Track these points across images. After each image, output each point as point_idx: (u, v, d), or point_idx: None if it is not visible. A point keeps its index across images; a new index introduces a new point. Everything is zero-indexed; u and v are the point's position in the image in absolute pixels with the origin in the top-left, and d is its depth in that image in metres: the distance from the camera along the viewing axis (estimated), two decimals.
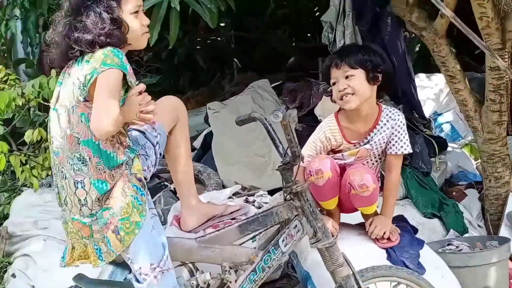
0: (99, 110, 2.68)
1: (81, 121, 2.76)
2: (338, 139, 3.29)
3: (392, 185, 3.35)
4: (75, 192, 2.79)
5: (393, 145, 3.28)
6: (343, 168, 3.28)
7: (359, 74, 3.19)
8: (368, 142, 3.28)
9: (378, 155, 3.36)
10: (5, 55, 6.63)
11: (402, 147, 3.28)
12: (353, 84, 3.18)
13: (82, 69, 2.76)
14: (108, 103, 2.66)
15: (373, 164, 3.37)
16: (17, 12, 6.21)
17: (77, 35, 2.77)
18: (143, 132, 3.15)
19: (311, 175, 3.14)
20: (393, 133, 3.27)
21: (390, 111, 3.30)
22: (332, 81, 3.26)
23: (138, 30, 2.91)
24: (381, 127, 3.27)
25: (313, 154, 3.29)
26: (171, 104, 3.35)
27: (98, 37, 2.76)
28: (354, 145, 3.30)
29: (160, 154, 3.22)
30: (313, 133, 3.36)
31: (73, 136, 2.78)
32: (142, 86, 2.90)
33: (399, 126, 3.27)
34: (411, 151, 3.35)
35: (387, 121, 3.27)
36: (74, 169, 2.79)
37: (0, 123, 4.83)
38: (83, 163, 2.78)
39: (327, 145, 3.31)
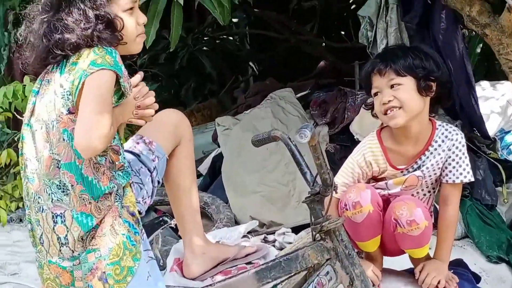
0: (86, 122, 2.67)
1: (63, 139, 2.77)
2: (381, 164, 3.29)
3: (449, 221, 3.34)
4: (53, 229, 2.80)
5: (450, 171, 3.28)
6: (386, 201, 3.27)
7: (408, 83, 3.18)
8: (418, 167, 3.28)
9: (431, 184, 3.35)
10: None
11: (461, 174, 3.28)
12: (401, 95, 3.17)
13: (68, 74, 2.77)
14: (98, 113, 2.66)
15: (424, 195, 3.37)
16: None
17: (58, 37, 2.79)
18: (137, 155, 3.18)
19: (346, 209, 3.14)
20: (450, 157, 3.27)
21: (446, 129, 3.29)
22: (373, 91, 3.26)
23: (133, 30, 2.93)
24: (435, 149, 3.26)
25: (350, 183, 3.29)
26: (172, 120, 3.38)
27: (84, 38, 2.77)
28: (401, 172, 3.29)
29: (158, 182, 3.23)
30: (350, 157, 3.36)
31: (51, 158, 2.79)
32: (140, 75, 2.92)
33: (457, 148, 3.26)
34: (472, 179, 3.34)
35: (443, 141, 3.27)
36: (52, 199, 2.80)
37: None
38: (63, 191, 2.79)
39: (367, 172, 3.31)
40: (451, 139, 3.27)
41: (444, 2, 4.37)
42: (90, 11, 2.80)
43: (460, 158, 3.27)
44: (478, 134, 4.92)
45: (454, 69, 4.71)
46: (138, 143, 3.24)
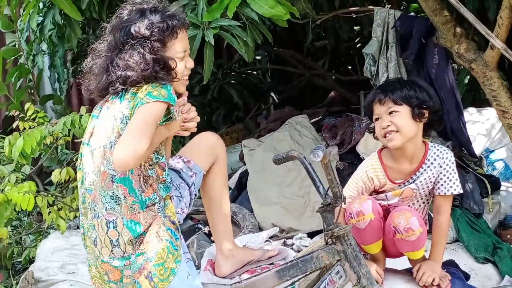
0: (127, 140, 2.70)
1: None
2: (381, 179, 3.29)
3: (442, 228, 3.33)
4: (106, 233, 2.82)
5: (442, 185, 3.27)
6: (386, 210, 3.27)
7: (403, 111, 3.20)
8: (413, 182, 3.28)
9: (426, 195, 3.35)
10: (32, 91, 6.75)
11: (451, 187, 3.27)
12: (397, 121, 3.18)
13: (127, 102, 2.81)
14: (139, 136, 2.68)
15: (420, 205, 3.36)
16: (44, 46, 6.34)
17: (120, 73, 2.84)
18: (178, 172, 3.19)
19: (351, 217, 3.15)
20: (441, 173, 3.27)
21: (437, 149, 3.29)
22: (375, 117, 3.27)
23: (182, 72, 2.98)
24: (428, 166, 3.26)
25: (355, 195, 3.29)
26: (209, 141, 3.38)
27: (143, 77, 2.82)
28: (399, 185, 3.29)
29: (195, 194, 3.24)
30: (355, 173, 3.37)
31: (107, 173, 2.83)
32: (186, 95, 2.97)
33: (447, 165, 3.26)
34: (461, 191, 3.33)
35: (434, 159, 3.27)
36: (106, 208, 2.83)
37: (27, 163, 4.91)
38: (115, 202, 2.82)
39: (369, 186, 3.31)
40: (442, 157, 3.27)
41: (436, 41, 4.37)
42: (148, 55, 2.84)
43: (450, 173, 3.27)
44: (467, 153, 4.90)
45: (445, 98, 4.70)
46: (178, 162, 3.26)
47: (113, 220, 2.82)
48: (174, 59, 2.93)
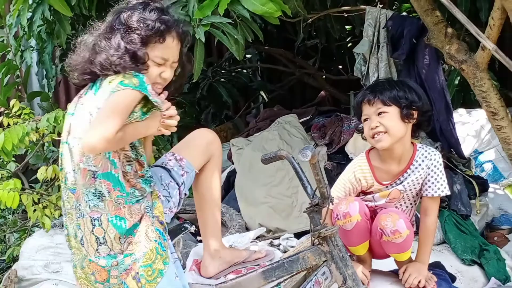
0: (94, 124, 2.69)
1: (99, 153, 2.78)
2: (369, 180, 3.28)
3: (429, 229, 3.32)
4: (92, 231, 2.80)
5: (429, 186, 3.27)
6: (373, 211, 3.26)
7: (392, 112, 3.18)
8: (401, 183, 3.26)
9: (413, 197, 3.34)
10: (20, 87, 6.71)
11: (439, 189, 3.26)
12: (386, 122, 3.17)
13: (101, 94, 2.79)
14: (108, 118, 2.67)
15: (407, 207, 3.35)
16: (32, 42, 6.30)
17: (93, 56, 2.85)
18: (168, 170, 3.16)
19: (338, 219, 3.14)
20: (429, 174, 3.26)
21: (426, 151, 3.28)
22: (363, 118, 3.26)
23: (152, 77, 2.92)
24: (416, 168, 3.26)
25: (342, 196, 3.28)
26: (205, 138, 3.34)
27: (109, 61, 2.80)
28: (386, 187, 3.28)
29: (185, 194, 3.21)
30: (343, 173, 3.36)
31: (87, 170, 2.80)
32: (165, 94, 2.93)
33: (435, 166, 3.25)
34: (448, 193, 3.33)
35: (422, 161, 3.26)
36: (89, 205, 2.81)
37: (12, 160, 4.87)
38: (98, 198, 2.79)
39: (357, 187, 3.30)
40: (430, 159, 3.26)
41: (427, 42, 4.36)
42: (122, 43, 2.83)
43: (438, 175, 3.26)
44: (455, 154, 4.90)
45: (435, 98, 4.69)
46: (170, 159, 3.22)
47: (97, 217, 2.80)
48: (147, 55, 2.89)
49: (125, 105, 2.73)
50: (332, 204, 3.02)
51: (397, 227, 3.09)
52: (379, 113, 3.19)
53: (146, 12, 2.90)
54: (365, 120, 3.25)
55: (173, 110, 2.92)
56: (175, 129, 2.97)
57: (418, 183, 3.28)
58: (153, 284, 2.79)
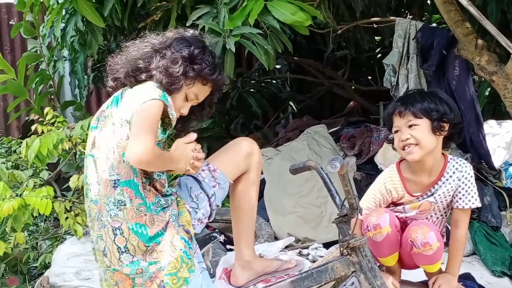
0: (135, 137, 2.73)
1: (123, 161, 2.82)
2: (399, 191, 3.27)
3: (459, 241, 3.30)
4: (114, 240, 2.82)
5: (460, 198, 3.25)
6: (404, 222, 3.25)
7: (423, 124, 3.16)
8: (432, 195, 3.25)
9: (444, 208, 3.32)
10: (52, 97, 6.80)
11: (470, 201, 3.24)
12: (417, 134, 3.15)
13: (125, 106, 2.84)
14: (144, 133, 2.71)
15: (437, 218, 3.33)
16: (65, 53, 6.39)
17: (146, 59, 2.96)
18: (199, 182, 3.17)
19: (368, 230, 3.13)
20: (460, 186, 3.24)
21: (457, 162, 3.26)
22: (394, 129, 3.25)
23: (175, 105, 2.97)
24: (447, 179, 3.24)
25: (372, 207, 3.27)
26: (243, 148, 3.32)
27: (150, 75, 2.90)
28: (417, 198, 3.27)
29: (217, 205, 3.20)
30: (373, 184, 3.35)
31: (109, 180, 2.84)
32: (194, 136, 2.95)
33: (466, 178, 3.23)
34: (479, 205, 3.31)
35: (454, 173, 3.24)
36: (111, 215, 2.83)
37: (45, 168, 4.92)
38: (118, 207, 2.82)
39: (387, 198, 3.29)
40: (461, 170, 3.24)
41: (458, 53, 4.35)
42: (181, 62, 2.95)
43: (469, 187, 3.24)
44: (486, 165, 4.87)
45: (465, 109, 4.67)
46: (203, 169, 3.20)
47: (118, 226, 2.82)
48: (184, 86, 2.98)
49: (154, 117, 2.78)
50: (361, 214, 3.01)
51: (427, 239, 3.08)
52: (410, 126, 3.18)
53: (206, 54, 3.03)
54: (396, 131, 3.24)
55: (202, 154, 2.97)
56: (198, 171, 3.04)
57: (449, 195, 3.26)
58: None
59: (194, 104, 3.08)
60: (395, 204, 3.32)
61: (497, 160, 5.34)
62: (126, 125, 2.81)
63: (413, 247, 3.11)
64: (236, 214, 3.40)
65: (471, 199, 3.24)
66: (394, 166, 3.33)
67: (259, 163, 3.37)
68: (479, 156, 4.86)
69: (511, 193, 4.70)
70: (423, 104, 3.17)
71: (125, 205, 2.82)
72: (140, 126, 2.74)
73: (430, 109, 3.16)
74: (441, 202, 3.27)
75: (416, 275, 3.46)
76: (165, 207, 2.88)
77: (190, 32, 3.09)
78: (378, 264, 3.11)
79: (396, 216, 3.22)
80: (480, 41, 4.16)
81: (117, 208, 2.82)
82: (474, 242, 4.20)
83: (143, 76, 2.92)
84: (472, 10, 3.73)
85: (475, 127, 4.78)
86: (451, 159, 3.28)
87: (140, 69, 2.93)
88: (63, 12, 5.40)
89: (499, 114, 6.04)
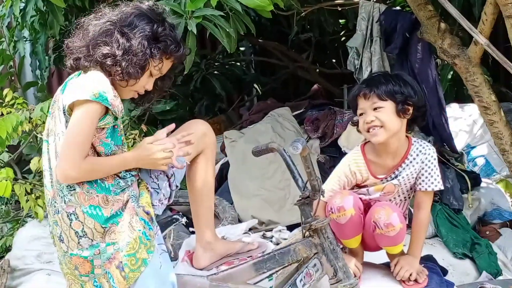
0: (61, 155, 2.74)
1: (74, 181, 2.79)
2: (364, 173, 3.29)
3: (421, 223, 3.33)
4: (70, 225, 2.79)
5: (423, 181, 3.28)
6: (367, 204, 3.27)
7: (388, 106, 3.18)
8: (395, 177, 3.27)
9: (407, 191, 3.35)
10: (13, 78, 6.70)
11: (432, 183, 3.27)
12: (381, 116, 3.17)
13: (66, 96, 2.78)
14: (71, 149, 2.71)
15: (400, 200, 3.36)
16: (26, 33, 6.28)
17: (96, 43, 2.84)
18: None
19: (332, 212, 3.14)
20: (423, 168, 3.27)
21: (420, 145, 3.29)
22: (359, 112, 3.26)
23: (138, 86, 2.95)
24: (410, 162, 3.26)
25: (337, 189, 3.28)
26: (198, 129, 3.31)
27: (113, 56, 2.82)
28: (381, 180, 3.29)
29: (177, 186, 3.19)
30: (337, 166, 3.36)
31: None
32: (163, 133, 2.95)
33: (429, 161, 3.26)
34: (442, 188, 3.35)
35: (417, 155, 3.27)
36: (65, 201, 2.79)
37: (5, 150, 4.85)
38: (69, 193, 2.78)
39: (352, 180, 3.30)
40: (424, 153, 3.27)
41: (420, 36, 4.36)
42: (147, 46, 2.87)
43: (432, 169, 3.27)
44: (448, 148, 4.91)
45: (428, 93, 4.70)
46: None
47: (73, 211, 2.79)
48: (150, 68, 2.92)
49: (87, 124, 2.73)
50: (323, 196, 3.02)
51: (390, 220, 3.10)
52: (375, 108, 3.19)
53: (168, 28, 2.94)
54: (361, 114, 3.25)
55: (188, 137, 2.98)
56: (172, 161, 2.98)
57: (413, 177, 3.29)
58: (136, 273, 2.78)
59: (157, 77, 3.03)
60: (359, 186, 3.34)
61: (459, 143, 5.41)
62: (65, 114, 2.77)
63: (376, 228, 3.13)
64: (194, 195, 3.40)
65: (434, 181, 3.27)
66: (358, 149, 3.34)
67: (213, 144, 3.39)
68: (441, 139, 4.89)
69: (472, 175, 4.75)
70: (388, 86, 3.19)
71: (75, 189, 2.78)
72: (67, 144, 2.72)
73: (394, 92, 3.18)
74: (405, 184, 3.29)
75: (378, 257, 3.48)
76: (125, 188, 2.85)
77: (146, 4, 2.99)
78: (340, 246, 3.13)
79: (360, 198, 3.23)
80: (442, 24, 4.17)
81: (69, 193, 2.79)
82: (436, 225, 4.24)
83: (104, 58, 2.82)
84: None
85: (437, 110, 4.81)
86: (415, 141, 3.31)
87: (100, 49, 2.83)
88: None
89: (462, 97, 6.10)
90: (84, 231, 2.77)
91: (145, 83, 2.95)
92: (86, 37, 2.88)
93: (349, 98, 3.39)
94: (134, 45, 2.83)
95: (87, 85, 2.74)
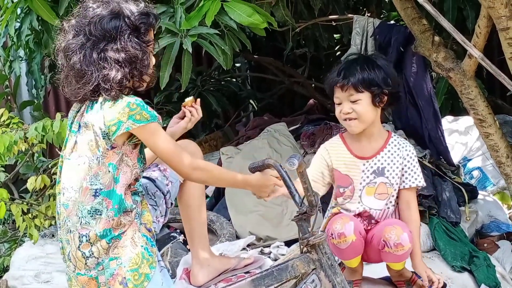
0: (177, 167, 2.89)
1: (109, 171, 2.78)
2: (344, 155, 3.33)
3: (416, 222, 3.38)
4: (78, 247, 2.78)
5: (406, 178, 3.33)
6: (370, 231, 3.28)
7: (364, 98, 3.23)
8: (381, 170, 3.30)
9: (395, 195, 3.34)
10: (9, 98, 6.71)
11: (416, 179, 3.33)
12: (358, 108, 3.22)
13: (102, 115, 2.75)
14: (178, 155, 2.86)
15: (393, 206, 3.36)
16: (21, 52, 6.30)
17: (107, 73, 2.76)
18: (153, 180, 3.17)
19: (333, 238, 3.14)
20: (406, 165, 3.32)
21: (400, 140, 3.37)
22: (336, 101, 3.30)
23: (150, 73, 2.94)
24: (391, 153, 3.32)
25: (317, 180, 3.31)
26: (187, 149, 3.27)
27: (128, 77, 2.82)
28: (366, 160, 3.30)
29: (172, 203, 3.22)
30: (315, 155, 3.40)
31: (89, 188, 2.78)
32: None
33: (410, 157, 3.33)
34: (424, 185, 3.40)
35: (398, 148, 3.33)
36: (81, 222, 2.78)
37: (2, 170, 4.85)
38: (91, 216, 2.77)
39: (328, 163, 3.33)
40: (405, 149, 3.33)
41: (415, 50, 4.38)
42: (137, 46, 2.84)
43: (414, 166, 3.33)
44: (444, 161, 4.92)
45: (423, 106, 4.73)
46: (154, 170, 3.24)
47: (86, 233, 2.78)
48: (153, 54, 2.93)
49: (167, 141, 2.86)
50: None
51: (401, 240, 3.12)
52: (352, 100, 3.22)
53: (130, 10, 2.84)
54: (338, 103, 3.28)
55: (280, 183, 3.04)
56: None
57: (397, 175, 3.31)
58: None
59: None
60: (351, 197, 3.34)
61: (456, 156, 5.41)
62: (108, 139, 2.75)
63: (385, 247, 3.15)
64: (186, 213, 3.43)
65: (417, 177, 3.33)
66: (337, 136, 3.41)
67: None
68: (437, 152, 4.90)
69: (469, 188, 4.75)
70: (363, 75, 3.21)
71: (100, 214, 2.78)
72: (172, 156, 2.86)
73: (371, 83, 3.20)
74: (392, 184, 3.31)
75: (377, 272, 3.48)
76: (134, 207, 2.86)
77: (94, 6, 2.86)
78: (338, 260, 3.13)
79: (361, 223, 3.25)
80: (437, 38, 4.19)
81: (91, 216, 2.77)
82: (434, 238, 4.24)
83: (120, 84, 2.77)
84: (428, 7, 3.76)
85: (433, 123, 4.82)
86: (394, 135, 3.38)
87: (109, 76, 2.75)
88: (18, 11, 5.31)
89: (457, 110, 6.11)
90: (91, 251, 2.77)
91: (152, 64, 2.95)
92: (70, 64, 2.84)
93: (325, 84, 3.40)
94: (131, 50, 2.79)
95: (136, 112, 2.74)
